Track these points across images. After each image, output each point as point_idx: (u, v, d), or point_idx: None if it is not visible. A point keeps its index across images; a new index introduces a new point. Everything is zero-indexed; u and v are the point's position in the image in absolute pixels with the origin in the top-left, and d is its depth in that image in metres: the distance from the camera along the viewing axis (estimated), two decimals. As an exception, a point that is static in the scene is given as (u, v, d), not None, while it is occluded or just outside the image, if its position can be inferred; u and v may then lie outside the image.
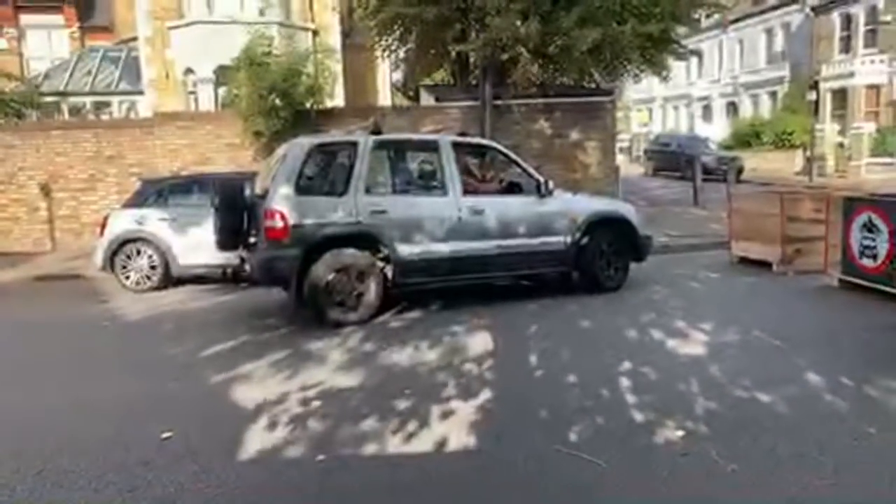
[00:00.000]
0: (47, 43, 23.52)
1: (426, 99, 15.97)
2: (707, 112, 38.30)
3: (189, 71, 17.39)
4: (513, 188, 7.51)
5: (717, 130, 33.26)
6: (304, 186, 6.16)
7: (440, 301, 6.98)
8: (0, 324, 7.27)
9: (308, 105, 12.30)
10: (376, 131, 6.81)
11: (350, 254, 6.14)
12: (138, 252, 8.57)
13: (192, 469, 3.45)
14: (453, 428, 3.81)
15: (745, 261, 8.82)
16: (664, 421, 3.75)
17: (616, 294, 7.19)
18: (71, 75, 20.23)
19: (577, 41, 10.33)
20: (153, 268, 8.56)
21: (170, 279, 8.62)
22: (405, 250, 6.33)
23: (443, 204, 6.58)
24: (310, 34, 17.83)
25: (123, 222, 8.71)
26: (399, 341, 5.61)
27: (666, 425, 3.70)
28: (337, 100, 15.23)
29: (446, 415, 4.01)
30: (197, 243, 8.39)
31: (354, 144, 6.50)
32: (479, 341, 5.57)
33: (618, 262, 7.33)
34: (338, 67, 15.08)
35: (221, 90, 16.58)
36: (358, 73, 20.22)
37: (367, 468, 3.42)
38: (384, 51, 14.39)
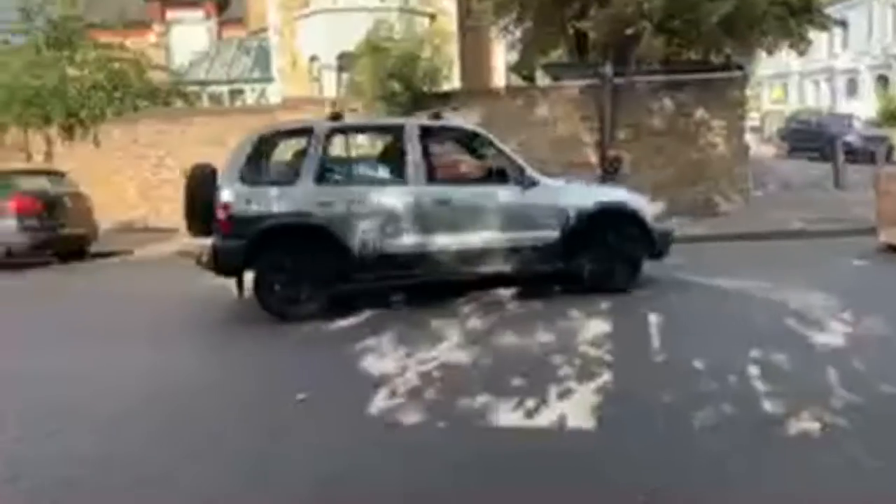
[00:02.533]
0: (190, 36, 25.50)
1: (542, 79, 15.76)
2: (852, 86, 34.93)
3: (314, 58, 18.25)
4: (497, 177, 6.53)
5: (863, 107, 30.26)
6: (252, 177, 5.95)
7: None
8: (153, 292, 8.08)
9: (425, 89, 12.54)
10: (335, 116, 6.50)
11: (296, 245, 5.92)
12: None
13: (326, 428, 3.71)
14: (571, 408, 3.81)
15: (893, 248, 8.04)
16: (798, 412, 3.54)
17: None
18: (210, 66, 21.84)
19: (707, 14, 9.77)
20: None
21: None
22: (358, 243, 5.96)
23: (402, 193, 6.09)
24: (427, 18, 18.10)
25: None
26: (516, 323, 5.65)
27: (801, 417, 3.49)
28: (453, 82, 15.39)
29: (563, 395, 4.01)
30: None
31: (309, 131, 6.24)
32: (594, 326, 5.50)
33: (621, 259, 6.43)
34: (454, 50, 15.22)
35: (344, 76, 17.28)
36: (473, 55, 20.29)
37: (487, 438, 3.51)
38: (500, 31, 14.34)
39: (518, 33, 14.67)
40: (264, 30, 21.11)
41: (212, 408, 4.10)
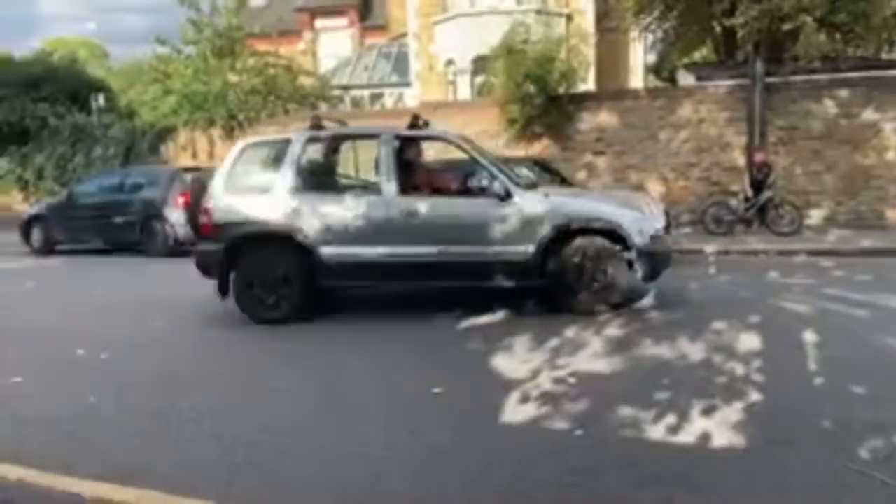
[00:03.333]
0: (334, 43, 27.01)
1: (685, 79, 15.06)
2: None
3: (450, 62, 18.66)
4: (474, 188, 6.18)
5: None
6: (233, 185, 6.21)
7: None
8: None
9: (561, 91, 12.42)
10: (315, 126, 6.46)
11: (270, 254, 6.12)
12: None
13: (460, 423, 3.81)
14: (716, 426, 3.63)
15: None
16: None
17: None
18: (353, 71, 23.00)
19: (879, 5, 8.87)
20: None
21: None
22: (329, 251, 6.03)
23: (375, 203, 6.07)
24: (564, 19, 17.90)
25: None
26: (658, 334, 5.46)
27: None
28: (589, 84, 15.11)
29: (708, 411, 3.83)
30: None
31: (287, 142, 6.34)
32: (744, 340, 5.19)
33: (600, 279, 5.99)
34: (590, 52, 14.93)
35: (478, 80, 17.52)
36: (610, 56, 19.79)
37: (625, 449, 3.43)
38: (641, 31, 13.88)
39: (660, 33, 14.13)
40: (404, 35, 21.92)
41: (353, 395, 4.34)
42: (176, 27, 17.47)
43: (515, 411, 3.96)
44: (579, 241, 5.94)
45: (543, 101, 12.12)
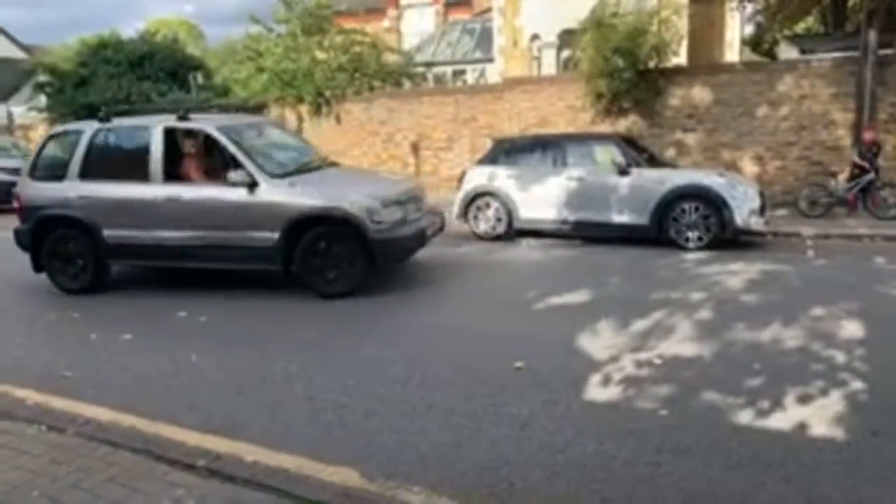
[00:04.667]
0: (418, 20, 27.05)
1: (786, 52, 14.16)
2: None
3: (535, 37, 18.31)
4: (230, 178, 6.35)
5: None
6: (38, 172, 7.13)
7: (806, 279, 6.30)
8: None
9: (651, 65, 11.96)
10: (104, 118, 7.02)
11: (63, 234, 6.84)
12: (487, 205, 9.52)
13: (541, 398, 3.82)
14: (814, 414, 3.48)
15: None
16: None
17: None
18: (436, 47, 23.00)
19: None
20: (499, 219, 9.44)
21: (512, 230, 9.41)
22: (109, 234, 6.65)
23: (144, 191, 6.56)
24: (656, -10, 17.13)
25: (477, 178, 9.73)
26: (751, 318, 5.25)
27: None
28: (680, 59, 14.46)
29: (804, 399, 3.67)
30: (537, 199, 9.07)
31: (79, 132, 7.01)
32: (846, 328, 4.90)
33: (339, 266, 6.23)
34: (683, 24, 14.26)
35: (563, 54, 17.14)
36: (703, 28, 18.81)
37: (713, 432, 3.34)
38: (740, 2, 13.13)
39: (760, 2, 13.31)
40: (488, 10, 21.64)
41: (436, 365, 4.42)
42: (268, 7, 18.01)
43: (599, 389, 3.94)
44: (318, 229, 6.20)
45: (632, 76, 11.69)
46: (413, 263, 8.01)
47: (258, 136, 7.29)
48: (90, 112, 18.48)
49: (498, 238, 9.37)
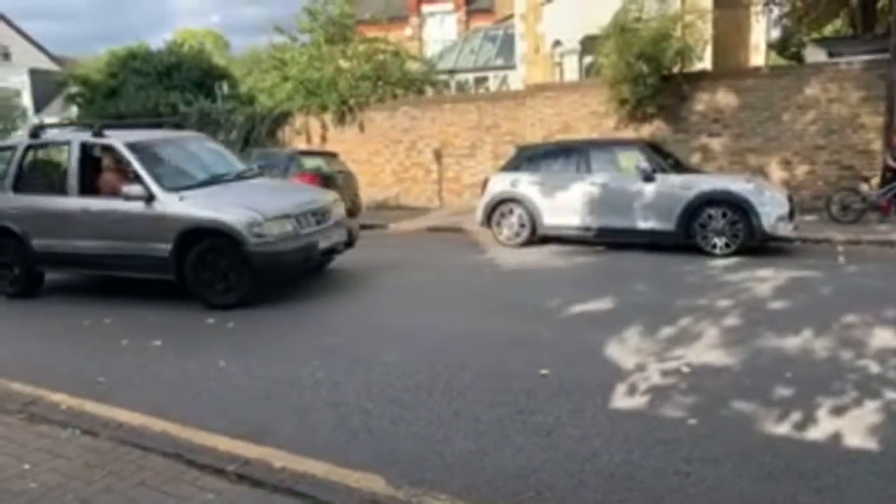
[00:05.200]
0: (440, 27, 27.20)
1: (814, 55, 13.96)
2: None
3: (557, 43, 18.28)
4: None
5: None
6: None
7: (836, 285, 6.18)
8: (407, 264, 8.90)
9: (676, 69, 11.88)
10: (33, 134, 7.66)
11: (2, 243, 7.28)
12: (511, 211, 9.51)
13: (567, 406, 3.80)
14: (847, 425, 3.41)
15: None
16: None
17: None
18: (458, 55, 23.08)
19: None
20: (522, 226, 9.43)
21: (535, 236, 9.39)
22: (38, 243, 7.12)
23: (64, 203, 7.01)
24: (680, -5, 17.00)
25: (500, 184, 9.74)
26: (780, 326, 5.17)
27: None
28: (705, 63, 14.33)
29: (838, 410, 3.60)
30: (561, 205, 9.06)
31: (13, 148, 7.68)
32: (880, 336, 4.80)
33: (227, 277, 6.40)
34: (708, 29, 14.14)
35: (586, 60, 17.08)
36: (728, 33, 18.61)
37: (744, 442, 3.30)
38: (766, 5, 12.97)
39: (786, 6, 13.14)
40: (510, 17, 21.68)
41: (461, 371, 4.42)
42: (292, 17, 18.27)
43: (626, 397, 3.91)
44: (205, 242, 6.40)
45: (656, 81, 11.62)
46: (436, 270, 8.05)
47: (177, 150, 7.66)
48: (120, 123, 18.97)
49: (521, 245, 9.36)
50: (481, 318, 5.84)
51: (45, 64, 35.72)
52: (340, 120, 15.94)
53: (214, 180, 7.17)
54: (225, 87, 18.97)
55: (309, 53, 17.11)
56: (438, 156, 14.63)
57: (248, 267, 6.33)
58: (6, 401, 4.13)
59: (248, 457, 3.30)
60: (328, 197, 7.54)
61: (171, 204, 6.50)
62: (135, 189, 6.54)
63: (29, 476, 3.17)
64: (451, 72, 21.56)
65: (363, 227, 12.13)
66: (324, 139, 16.21)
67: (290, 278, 7.24)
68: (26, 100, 29.51)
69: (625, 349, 4.74)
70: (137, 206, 6.56)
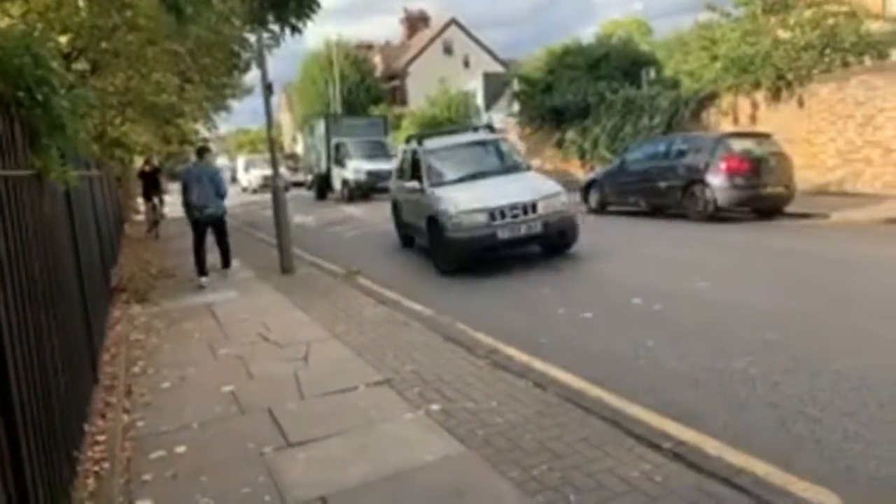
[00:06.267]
0: (915, -26, 22.03)
1: None
2: None
3: None
4: None
5: None
6: None
7: None
8: (846, 257, 7.62)
9: None
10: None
11: None
12: None
13: None
14: None
15: None
16: None
17: None
18: (940, 4, 18.39)
19: None
20: None
21: None
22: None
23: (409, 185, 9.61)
24: None
25: None
26: None
27: None
28: None
29: None
30: None
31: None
32: None
33: None
34: None
35: None
36: None
37: None
38: None
39: None
40: None
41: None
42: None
43: None
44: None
45: None
46: (891, 271, 6.74)
47: (452, 153, 9.91)
48: (553, 114, 20.96)
49: None
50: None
51: (495, 67, 41.66)
52: (775, 97, 14.49)
53: (470, 177, 9.01)
54: (652, 73, 19.16)
55: (742, 28, 15.91)
56: (906, 132, 12.02)
57: (443, 246, 8.29)
58: (476, 347, 5.06)
59: (681, 438, 3.34)
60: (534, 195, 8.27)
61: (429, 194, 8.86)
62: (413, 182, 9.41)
63: (496, 412, 3.84)
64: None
65: (796, 215, 10.87)
66: (753, 120, 14.99)
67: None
68: (479, 100, 34.90)
69: None
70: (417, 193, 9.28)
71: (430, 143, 9.99)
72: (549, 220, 8.11)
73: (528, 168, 9.74)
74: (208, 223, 8.95)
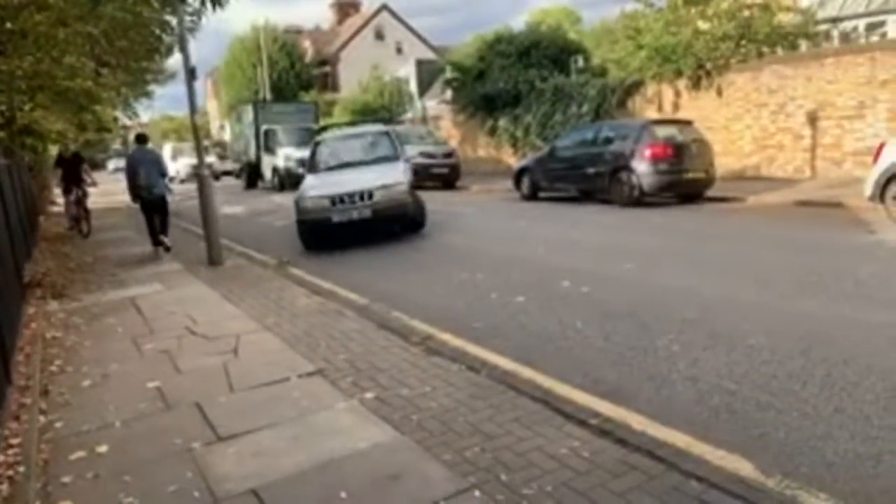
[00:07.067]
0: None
1: None
2: None
3: None
4: None
5: None
6: None
7: None
8: (762, 238, 8.07)
9: None
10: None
11: None
12: (913, 184, 7.86)
13: None
14: None
15: None
16: None
17: None
18: (844, 0, 19.57)
19: None
20: (929, 202, 7.72)
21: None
22: None
23: None
24: None
25: (899, 151, 8.11)
26: None
27: None
28: None
29: None
30: None
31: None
32: None
33: None
34: None
35: None
36: None
37: None
38: None
39: None
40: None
41: (842, 373, 3.90)
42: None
43: None
44: None
45: None
46: (812, 251, 7.18)
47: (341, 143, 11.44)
48: (485, 102, 21.08)
49: (927, 225, 7.69)
50: (872, 309, 5.00)
51: (427, 54, 41.52)
52: (695, 85, 15.08)
53: (340, 166, 10.21)
54: (580, 61, 19.52)
55: (665, 18, 16.44)
56: (813, 119, 12.77)
57: (297, 225, 9.57)
58: (411, 335, 5.08)
59: (608, 415, 3.47)
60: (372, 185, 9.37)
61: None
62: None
63: (430, 397, 3.87)
64: (835, 20, 18.42)
65: (715, 199, 11.40)
66: (676, 107, 15.55)
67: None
68: (412, 86, 34.72)
69: None
70: None
71: (326, 135, 11.41)
72: (377, 208, 9.24)
73: (397, 159, 10.55)
74: (155, 202, 9.78)
